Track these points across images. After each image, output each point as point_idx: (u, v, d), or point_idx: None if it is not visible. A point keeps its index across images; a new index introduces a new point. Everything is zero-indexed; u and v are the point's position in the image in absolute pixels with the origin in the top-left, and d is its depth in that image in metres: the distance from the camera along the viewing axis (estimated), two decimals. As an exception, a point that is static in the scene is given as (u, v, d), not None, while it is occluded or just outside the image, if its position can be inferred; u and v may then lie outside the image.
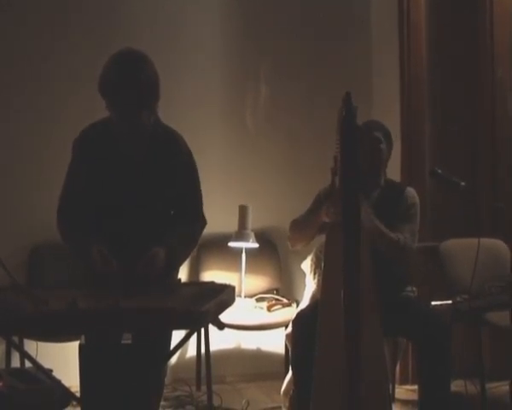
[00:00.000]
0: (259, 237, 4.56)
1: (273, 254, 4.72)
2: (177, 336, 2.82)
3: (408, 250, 3.46)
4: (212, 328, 4.13)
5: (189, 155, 3.08)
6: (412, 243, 3.49)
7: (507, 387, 4.19)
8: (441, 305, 3.89)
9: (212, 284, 2.93)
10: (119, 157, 2.96)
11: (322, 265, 3.33)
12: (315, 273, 4.00)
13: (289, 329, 3.78)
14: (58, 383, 2.95)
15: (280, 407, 4.05)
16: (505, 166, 4.79)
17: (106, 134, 2.98)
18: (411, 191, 3.65)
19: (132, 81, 2.80)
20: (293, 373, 3.56)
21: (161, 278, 2.89)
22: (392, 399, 4.14)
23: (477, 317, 3.96)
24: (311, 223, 3.48)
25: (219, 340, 4.54)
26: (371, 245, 3.25)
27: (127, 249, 2.89)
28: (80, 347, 2.76)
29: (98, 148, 2.97)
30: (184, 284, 3.50)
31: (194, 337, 4.45)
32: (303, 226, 3.54)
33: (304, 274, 4.15)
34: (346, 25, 4.84)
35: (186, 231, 3.03)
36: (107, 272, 2.80)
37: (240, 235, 4.49)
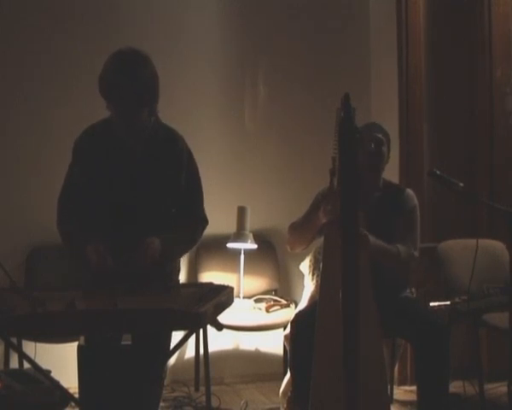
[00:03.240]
0: (258, 238, 4.56)
1: (271, 255, 4.72)
2: (176, 337, 2.82)
3: (408, 261, 3.48)
4: (210, 329, 4.13)
5: (189, 154, 3.09)
6: (414, 252, 3.51)
7: (505, 388, 4.16)
8: (439, 306, 3.89)
9: (210, 284, 2.93)
10: (120, 157, 2.97)
11: (321, 265, 3.33)
12: (313, 274, 4.00)
13: (288, 330, 3.78)
14: (56, 384, 2.95)
15: (278, 408, 4.05)
16: (504, 167, 4.80)
17: (106, 134, 2.99)
18: (411, 193, 3.66)
19: (130, 81, 2.80)
20: (291, 374, 3.56)
21: (157, 266, 2.89)
22: (390, 400, 4.14)
23: (475, 318, 3.97)
24: (309, 225, 3.48)
25: (218, 341, 4.55)
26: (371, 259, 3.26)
27: (128, 249, 2.89)
28: (79, 348, 2.76)
29: (99, 148, 2.98)
30: (183, 284, 3.50)
31: (192, 338, 4.46)
32: (301, 229, 3.54)
33: (302, 275, 4.15)
34: (345, 26, 4.84)
35: (186, 229, 3.03)
36: (103, 270, 2.80)
37: (238, 236, 4.49)
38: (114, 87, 2.81)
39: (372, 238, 3.34)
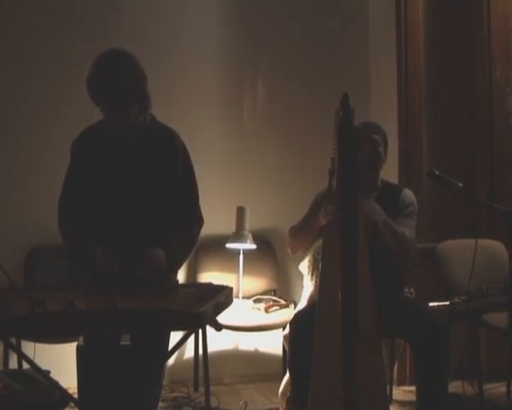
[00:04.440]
0: (257, 238, 4.56)
1: (271, 255, 4.72)
2: (175, 337, 2.82)
3: (412, 245, 3.49)
4: (209, 329, 4.12)
5: (184, 151, 3.10)
6: (414, 237, 3.52)
7: (504, 388, 4.20)
8: (439, 306, 3.89)
9: (209, 285, 2.93)
10: (117, 157, 2.97)
11: (320, 266, 3.33)
12: (312, 274, 4.00)
13: (287, 330, 3.78)
14: (56, 384, 2.95)
15: (277, 409, 4.05)
16: (503, 167, 4.80)
17: (103, 134, 2.99)
18: (408, 192, 3.67)
19: (111, 82, 2.84)
20: (290, 374, 3.56)
21: (162, 278, 2.91)
22: (389, 400, 4.14)
23: (475, 318, 3.97)
24: (309, 228, 3.48)
25: (217, 341, 4.55)
26: (379, 240, 3.27)
27: (126, 248, 2.89)
28: (78, 348, 2.76)
29: (96, 148, 2.99)
30: (182, 285, 3.50)
31: (191, 338, 4.46)
32: (302, 232, 3.54)
33: (301, 275, 4.15)
34: (344, 27, 4.85)
35: (184, 231, 3.04)
36: (110, 275, 2.81)
37: (237, 236, 4.49)
38: (95, 90, 2.85)
39: (385, 216, 3.35)
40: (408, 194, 3.66)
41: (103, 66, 2.86)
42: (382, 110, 4.66)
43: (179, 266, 3.16)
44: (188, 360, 4.60)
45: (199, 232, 3.15)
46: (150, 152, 3.00)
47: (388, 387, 4.09)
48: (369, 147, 3.53)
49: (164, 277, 2.94)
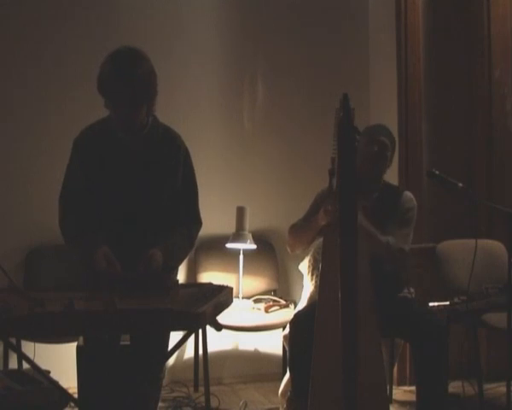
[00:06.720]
0: (257, 238, 4.56)
1: (271, 255, 4.72)
2: (175, 337, 2.82)
3: (397, 253, 3.46)
4: (209, 329, 4.13)
5: (186, 153, 3.09)
6: (404, 246, 3.49)
7: (504, 388, 4.18)
8: (438, 306, 3.89)
9: (209, 285, 2.93)
10: (118, 157, 2.97)
11: (320, 266, 3.33)
12: (312, 274, 4.00)
13: (287, 330, 3.79)
14: (56, 384, 2.95)
15: (277, 409, 4.05)
16: (502, 168, 4.80)
17: (105, 133, 2.99)
18: (409, 195, 3.66)
19: (126, 80, 2.80)
20: (290, 374, 3.56)
21: (159, 278, 2.90)
22: (389, 400, 4.14)
23: (474, 318, 3.97)
24: (309, 227, 3.48)
25: (217, 341, 4.55)
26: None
27: (125, 248, 2.89)
28: (78, 348, 2.76)
29: (97, 147, 2.98)
30: (182, 285, 3.50)
31: (191, 339, 4.46)
32: (301, 231, 3.54)
33: (301, 275, 4.15)
34: (344, 27, 4.85)
35: (182, 232, 3.04)
36: (111, 275, 2.80)
37: (237, 236, 4.49)
38: (109, 87, 2.82)
39: (365, 221, 3.32)
40: (408, 198, 3.65)
41: (117, 65, 2.82)
42: (382, 110, 4.66)
43: (176, 267, 3.15)
44: (188, 360, 4.61)
45: (197, 233, 3.14)
46: (151, 153, 3.00)
47: (388, 387, 4.09)
48: (377, 148, 3.53)
49: (162, 277, 2.93)
